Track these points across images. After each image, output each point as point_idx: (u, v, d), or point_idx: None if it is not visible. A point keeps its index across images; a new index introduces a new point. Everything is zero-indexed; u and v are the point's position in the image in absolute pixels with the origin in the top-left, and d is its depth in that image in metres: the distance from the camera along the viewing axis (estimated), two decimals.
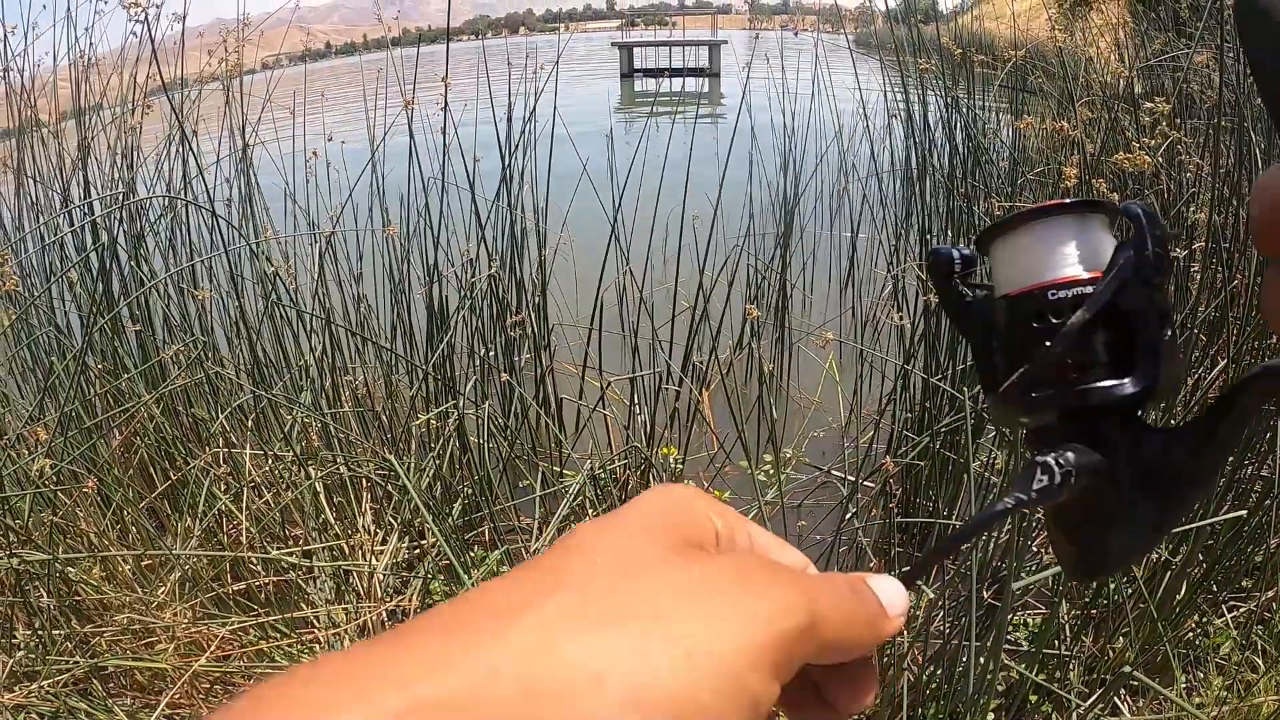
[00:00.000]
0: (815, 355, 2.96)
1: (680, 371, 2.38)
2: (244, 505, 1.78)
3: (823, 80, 3.40)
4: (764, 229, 3.19)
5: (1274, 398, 0.27)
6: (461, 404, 2.02)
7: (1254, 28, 0.24)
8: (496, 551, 1.80)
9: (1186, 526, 1.39)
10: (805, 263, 3.47)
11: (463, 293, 2.44)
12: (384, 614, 1.64)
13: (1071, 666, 1.47)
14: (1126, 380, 0.26)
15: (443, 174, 2.36)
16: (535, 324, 2.54)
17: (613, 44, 16.66)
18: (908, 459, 1.84)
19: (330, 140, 2.87)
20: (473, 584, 1.42)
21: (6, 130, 2.68)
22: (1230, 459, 1.51)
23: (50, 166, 2.67)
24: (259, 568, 1.76)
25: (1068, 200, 0.28)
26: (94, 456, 1.86)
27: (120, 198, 2.35)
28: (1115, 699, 1.43)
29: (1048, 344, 0.27)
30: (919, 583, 1.55)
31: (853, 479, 1.66)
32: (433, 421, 2.04)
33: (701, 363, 2.31)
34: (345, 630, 1.62)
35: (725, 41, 13.73)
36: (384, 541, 1.82)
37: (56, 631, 1.52)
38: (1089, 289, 0.27)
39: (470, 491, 2.02)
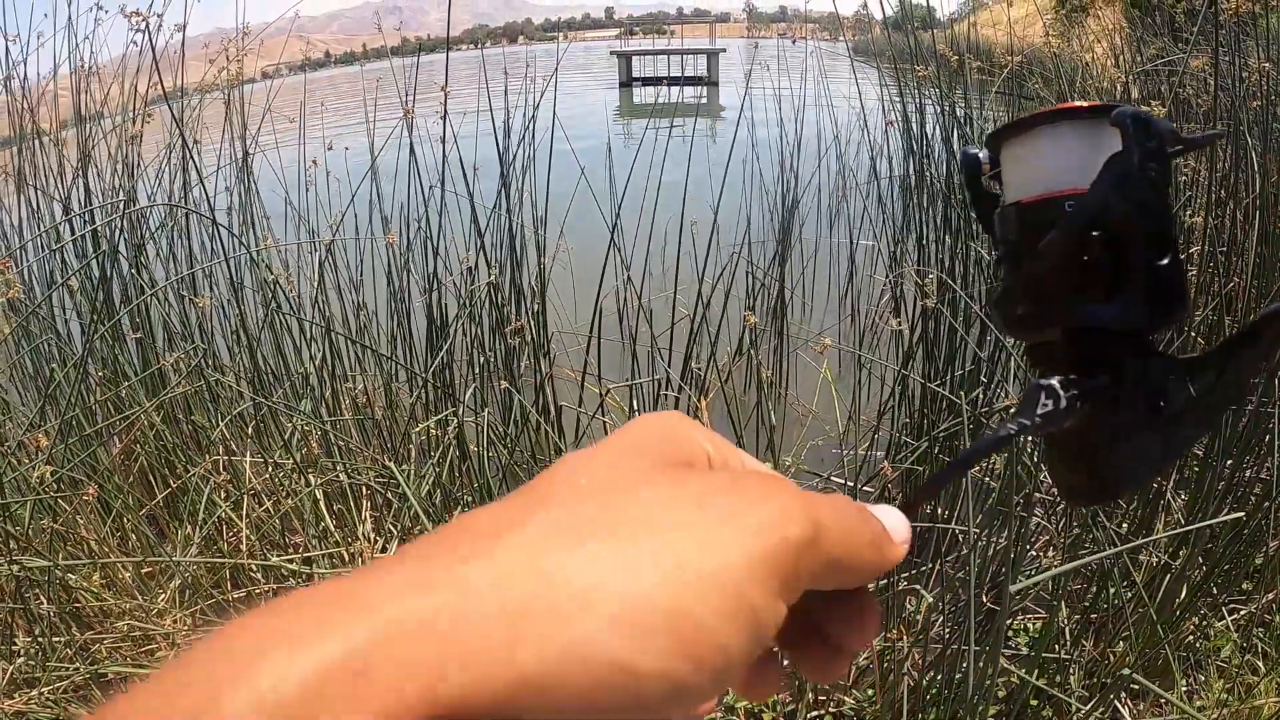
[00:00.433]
0: (814, 362, 2.96)
1: (679, 379, 2.38)
2: (244, 513, 1.78)
3: (821, 88, 3.41)
4: (762, 237, 3.20)
5: None
6: (461, 411, 2.03)
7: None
8: None
9: (1186, 528, 1.40)
10: (804, 270, 3.48)
11: (462, 300, 2.44)
12: None
13: (1071, 670, 1.47)
14: (1115, 305, 0.25)
15: (442, 182, 2.36)
16: (534, 331, 2.54)
17: (611, 53, 16.72)
18: (906, 464, 1.84)
19: (330, 149, 2.88)
20: None
21: (8, 139, 2.69)
22: (1234, 462, 1.51)
23: (51, 175, 2.67)
24: (259, 575, 1.76)
25: (1085, 104, 0.26)
26: (94, 463, 1.86)
27: (121, 206, 2.36)
28: (1116, 702, 1.43)
29: (1031, 259, 0.26)
30: (920, 587, 1.55)
31: (851, 484, 1.66)
32: (432, 429, 2.04)
33: (700, 370, 2.32)
34: None
35: (724, 50, 13.78)
36: (384, 549, 1.82)
37: (57, 638, 1.52)
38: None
39: (470, 499, 2.02)
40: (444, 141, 2.30)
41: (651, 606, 0.19)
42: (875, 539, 0.24)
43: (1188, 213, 1.97)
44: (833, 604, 0.25)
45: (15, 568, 1.45)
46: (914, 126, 2.80)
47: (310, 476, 1.84)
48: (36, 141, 2.65)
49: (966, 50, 2.90)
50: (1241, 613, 1.57)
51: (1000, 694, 1.42)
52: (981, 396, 1.82)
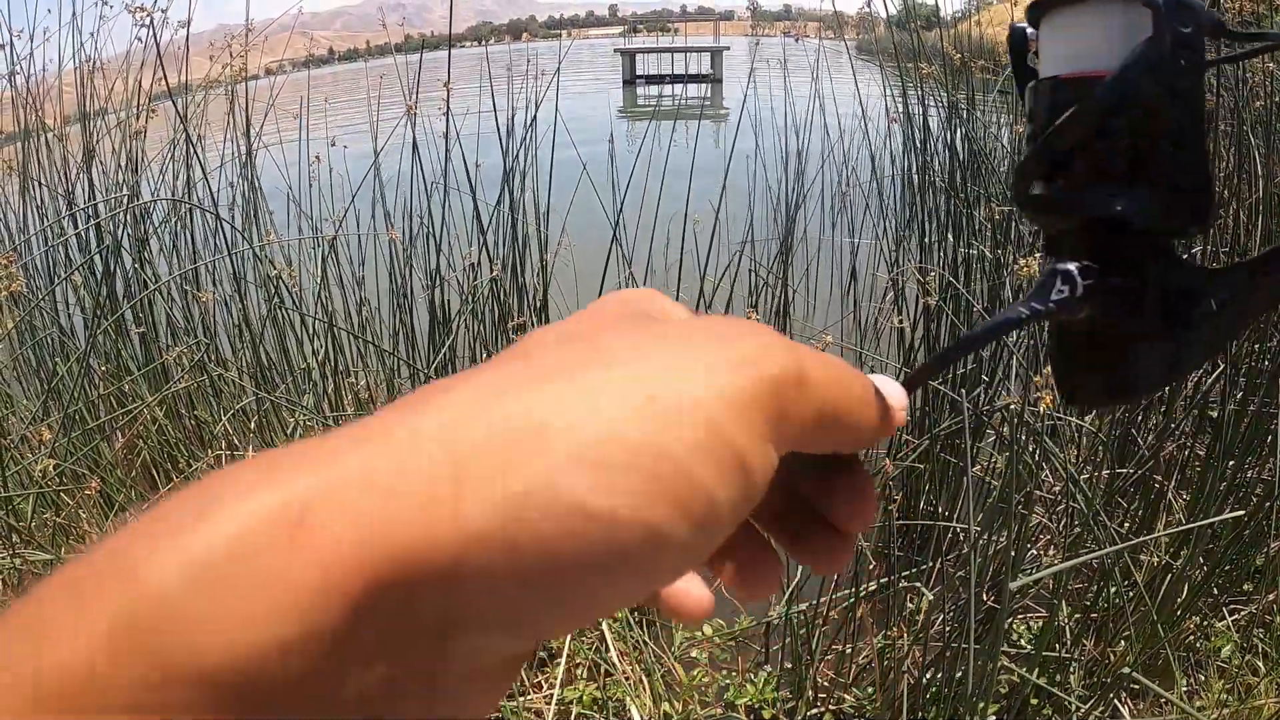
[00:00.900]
0: None
1: None
2: None
3: (824, 86, 3.41)
4: (766, 234, 3.20)
5: None
6: None
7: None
8: None
9: (1187, 528, 1.40)
10: (807, 267, 3.48)
11: (465, 296, 2.44)
12: None
13: (1072, 669, 1.47)
14: (1132, 196, 0.24)
15: (444, 178, 2.37)
16: (537, 327, 2.54)
17: (615, 50, 16.70)
18: (907, 462, 1.84)
19: (333, 145, 2.88)
20: None
21: (12, 134, 2.69)
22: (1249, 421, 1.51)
23: (55, 170, 2.68)
24: None
25: None
26: (97, 458, 1.87)
27: (125, 201, 2.36)
28: (1116, 702, 1.43)
29: (1046, 137, 0.25)
30: (921, 586, 1.56)
31: None
32: None
33: None
34: None
35: (728, 48, 13.77)
36: None
37: None
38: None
39: None
40: (447, 138, 2.30)
41: (619, 442, 0.16)
42: (868, 395, 0.21)
43: None
44: (826, 481, 0.23)
45: (18, 561, 1.46)
46: (916, 125, 2.80)
47: None
48: (41, 136, 2.65)
49: (970, 49, 2.90)
50: (1242, 613, 1.57)
51: (1001, 692, 1.42)
52: (983, 395, 1.82)
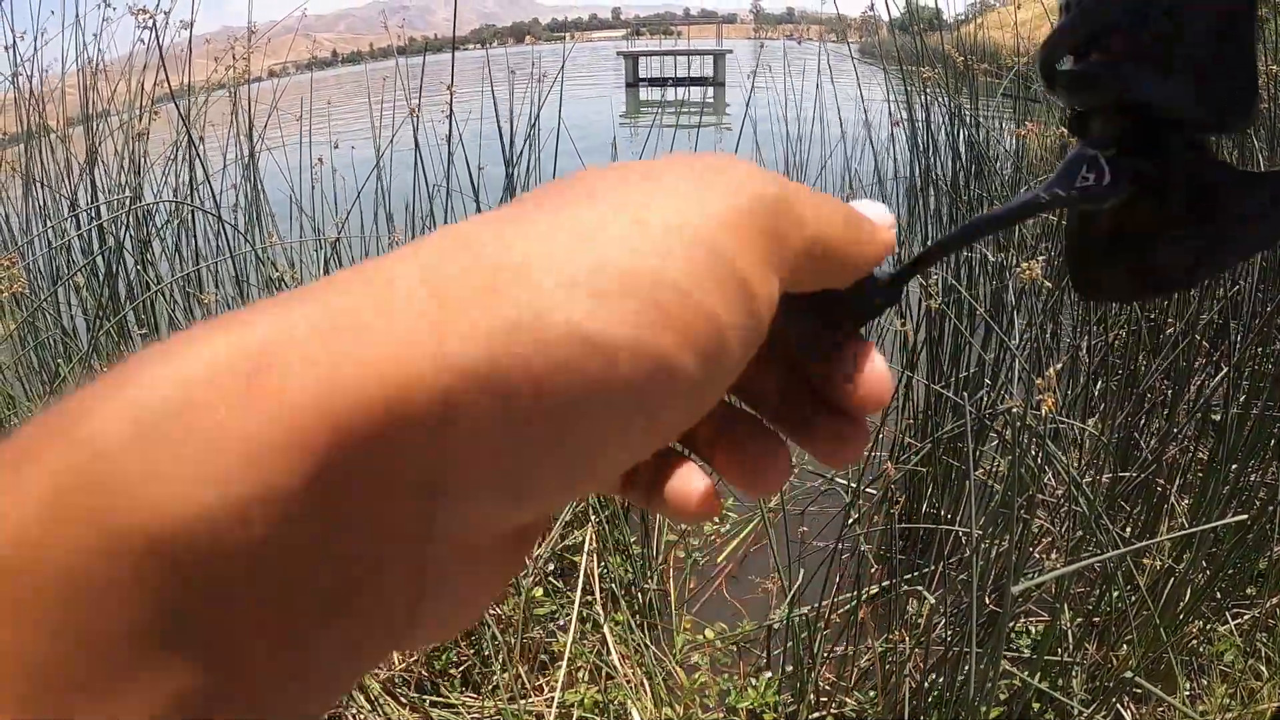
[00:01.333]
0: None
1: None
2: None
3: (826, 89, 3.41)
4: None
5: None
6: None
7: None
8: None
9: (1190, 531, 1.39)
10: None
11: None
12: None
13: (1074, 673, 1.47)
14: (1168, 80, 0.22)
15: (447, 181, 2.37)
16: None
17: (618, 53, 16.72)
18: (910, 465, 1.84)
19: (336, 147, 2.88)
20: None
21: (15, 135, 2.70)
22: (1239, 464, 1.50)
23: (58, 171, 2.68)
24: None
25: None
26: None
27: (127, 202, 2.37)
28: (1118, 706, 1.42)
29: (1085, 5, 0.23)
30: (923, 589, 1.55)
31: (855, 485, 1.66)
32: None
33: None
34: None
35: (730, 51, 13.78)
36: None
37: None
38: None
39: None
40: (449, 140, 2.30)
41: (614, 268, 0.15)
42: (853, 217, 0.20)
43: None
44: (828, 357, 0.22)
45: None
46: (919, 127, 2.80)
47: None
48: (44, 138, 2.66)
49: (973, 52, 2.90)
50: (1245, 617, 1.56)
51: (1002, 696, 1.42)
52: (986, 399, 1.82)
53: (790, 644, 1.52)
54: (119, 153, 2.51)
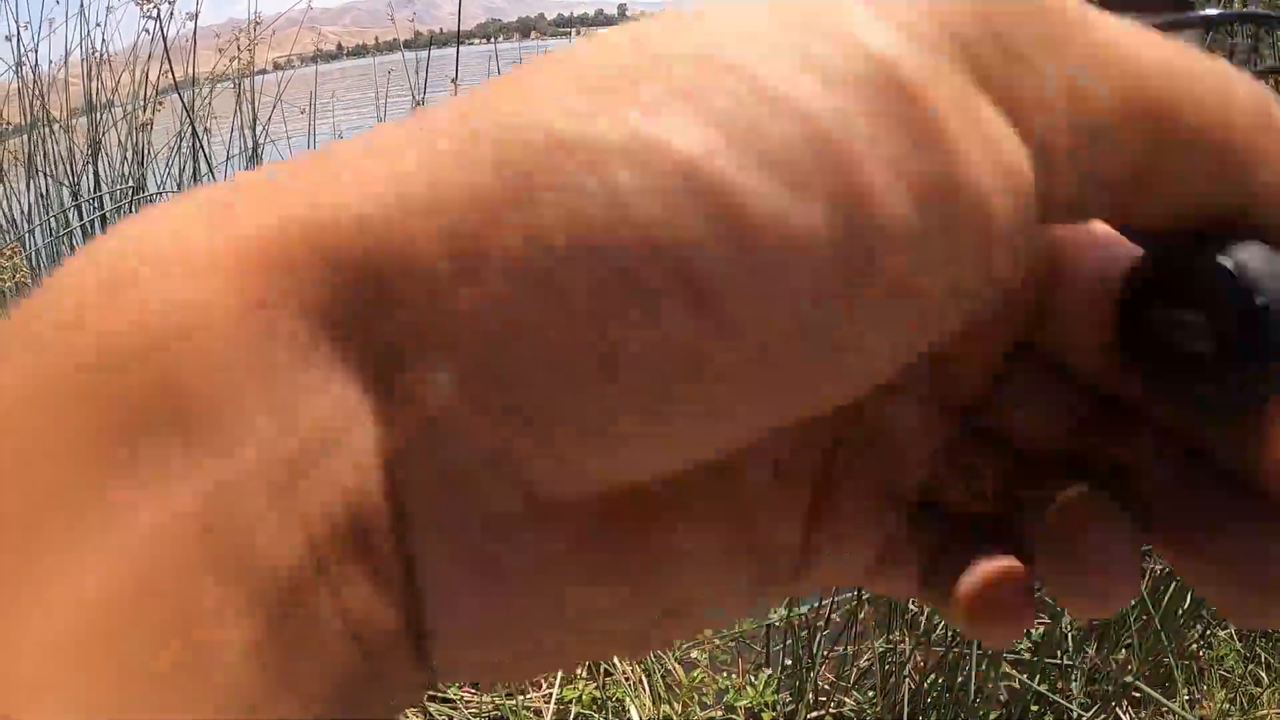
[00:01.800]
0: None
1: None
2: None
3: None
4: None
5: None
6: None
7: None
8: None
9: None
10: None
11: None
12: None
13: (1073, 677, 1.46)
14: None
15: None
16: None
17: None
18: None
19: (340, 140, 2.88)
20: None
21: (19, 125, 2.70)
22: None
23: (61, 161, 2.68)
24: None
25: None
26: None
27: (130, 193, 2.37)
28: (1117, 710, 1.42)
29: None
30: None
31: None
32: None
33: None
34: None
35: None
36: None
37: None
38: None
39: None
40: None
41: (705, 59, 0.09)
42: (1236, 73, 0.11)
43: None
44: (1242, 404, 0.12)
45: None
46: None
47: None
48: (47, 128, 2.65)
49: None
50: None
51: (1001, 698, 1.42)
52: None
53: (790, 642, 1.52)
54: (122, 143, 2.50)
